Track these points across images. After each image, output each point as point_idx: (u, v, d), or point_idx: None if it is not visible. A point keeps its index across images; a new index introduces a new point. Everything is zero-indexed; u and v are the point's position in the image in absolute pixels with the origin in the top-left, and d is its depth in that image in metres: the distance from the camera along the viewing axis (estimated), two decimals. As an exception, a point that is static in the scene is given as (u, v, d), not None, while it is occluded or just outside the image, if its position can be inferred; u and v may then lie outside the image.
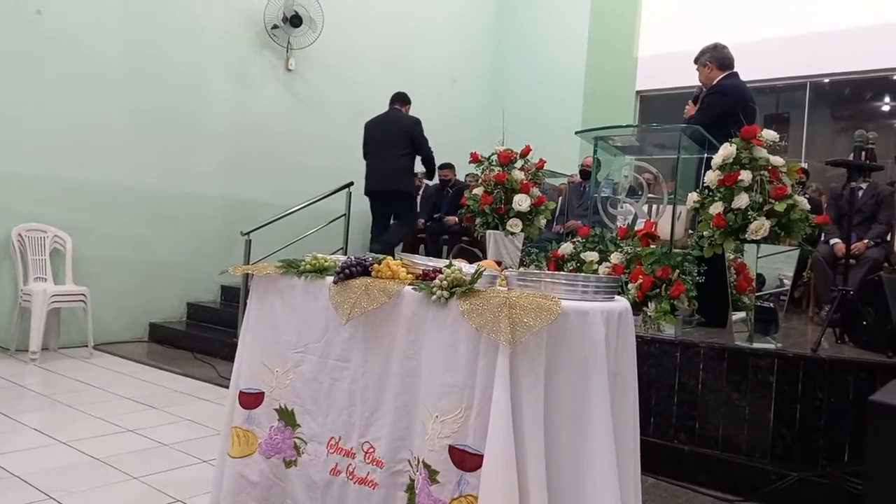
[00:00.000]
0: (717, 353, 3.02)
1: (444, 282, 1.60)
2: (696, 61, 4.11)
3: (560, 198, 6.80)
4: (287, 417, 1.93)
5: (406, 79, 7.26)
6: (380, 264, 1.83)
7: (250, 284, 2.11)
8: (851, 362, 2.83)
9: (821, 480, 2.67)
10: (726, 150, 3.05)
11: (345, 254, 5.18)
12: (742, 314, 3.13)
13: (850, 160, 3.45)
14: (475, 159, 4.07)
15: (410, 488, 1.64)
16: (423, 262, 1.81)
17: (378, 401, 1.74)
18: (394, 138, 5.55)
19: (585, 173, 6.16)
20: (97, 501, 2.41)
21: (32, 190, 4.97)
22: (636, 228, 3.58)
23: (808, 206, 2.99)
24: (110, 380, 4.22)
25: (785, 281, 3.12)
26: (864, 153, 3.42)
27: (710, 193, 3.12)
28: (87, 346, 4.91)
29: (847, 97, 7.64)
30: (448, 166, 6.85)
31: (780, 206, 2.91)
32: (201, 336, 5.43)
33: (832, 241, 4.91)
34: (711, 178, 3.10)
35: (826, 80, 7.40)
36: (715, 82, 3.97)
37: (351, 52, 7.19)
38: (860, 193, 4.74)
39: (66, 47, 5.10)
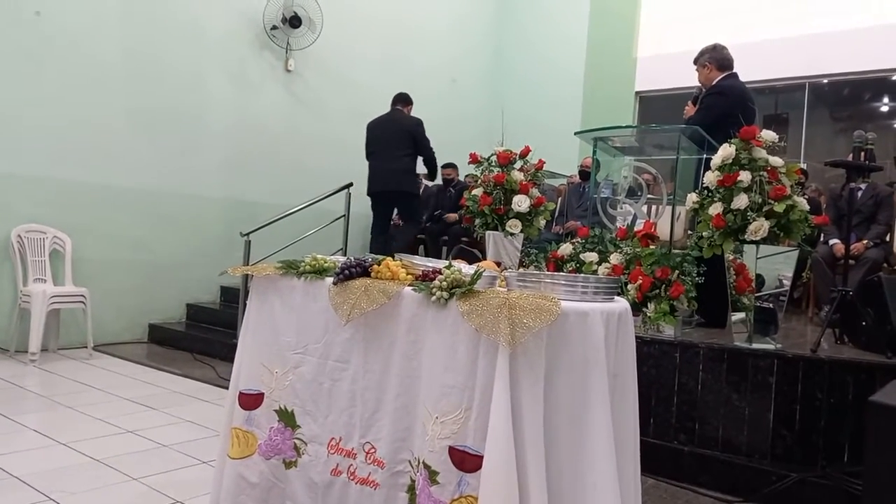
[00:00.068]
0: (716, 353, 3.02)
1: (444, 283, 1.60)
2: (695, 62, 4.11)
3: (559, 198, 6.81)
4: (287, 418, 1.93)
5: (405, 79, 7.27)
6: (379, 265, 1.83)
7: (250, 285, 2.11)
8: (851, 363, 2.83)
9: (821, 481, 2.67)
10: (725, 151, 3.05)
11: (344, 254, 5.18)
12: (741, 315, 3.13)
13: (850, 161, 3.45)
14: (474, 160, 4.07)
15: (411, 489, 1.64)
16: (423, 262, 1.81)
17: (378, 401, 1.74)
18: (396, 139, 5.56)
19: (585, 174, 6.16)
20: (97, 502, 2.41)
21: (32, 191, 4.97)
22: (635, 229, 3.58)
23: (807, 207, 2.99)
24: (110, 381, 4.22)
25: (784, 281, 3.12)
26: (863, 154, 3.42)
27: (710, 194, 3.12)
28: (86, 347, 4.91)
29: (846, 98, 7.64)
30: (451, 165, 6.86)
31: (779, 207, 2.91)
32: (201, 337, 5.43)
33: (831, 242, 4.92)
34: (711, 178, 3.10)
35: (825, 81, 7.41)
36: (714, 83, 3.98)
37: (350, 52, 7.19)
38: (859, 194, 4.74)
39: (65, 48, 5.10)
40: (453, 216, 6.48)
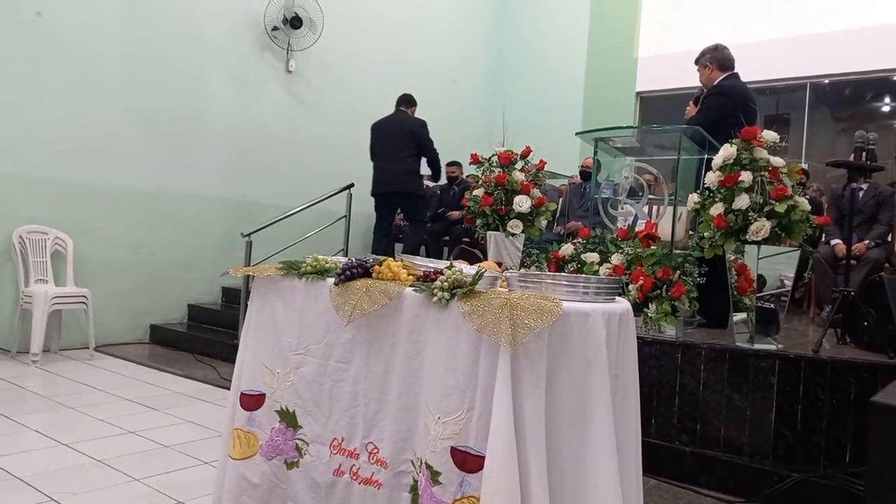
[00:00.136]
0: (718, 354, 3.02)
1: (445, 283, 1.60)
2: (696, 62, 4.11)
3: (560, 199, 6.81)
4: (288, 419, 1.93)
5: (406, 80, 7.27)
6: (380, 266, 1.83)
7: (251, 286, 2.11)
8: (853, 363, 2.83)
9: (823, 481, 2.66)
10: (727, 151, 3.05)
11: (346, 255, 5.18)
12: (743, 315, 3.13)
13: (851, 161, 3.45)
14: (476, 160, 4.07)
15: (414, 489, 1.64)
16: (424, 263, 1.81)
17: (381, 402, 1.74)
18: (400, 140, 5.60)
19: (586, 174, 6.16)
20: (98, 503, 2.41)
21: (33, 192, 4.97)
22: (637, 229, 3.57)
23: (808, 207, 2.98)
24: (111, 381, 4.23)
25: (786, 282, 3.12)
26: (864, 154, 3.42)
27: (711, 194, 3.12)
28: (88, 347, 4.92)
29: (847, 98, 7.64)
30: (455, 163, 6.86)
31: (780, 207, 2.90)
32: (202, 338, 5.43)
33: (833, 242, 4.92)
34: (712, 178, 3.10)
35: (826, 81, 7.40)
36: (715, 83, 3.98)
37: (351, 53, 7.20)
38: (861, 194, 4.74)
39: (66, 49, 5.10)
40: (456, 214, 6.49)
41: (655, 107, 8.26)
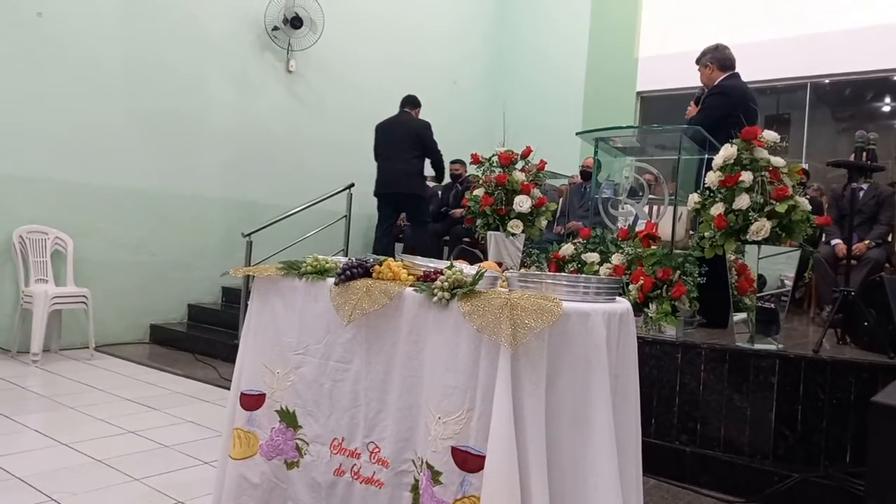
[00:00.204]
0: (718, 354, 3.02)
1: (446, 283, 1.60)
2: (697, 62, 4.11)
3: (561, 199, 6.80)
4: (288, 419, 1.93)
5: (407, 80, 7.28)
6: (381, 265, 1.83)
7: (251, 286, 2.11)
8: (853, 363, 2.83)
9: (823, 481, 2.66)
10: (727, 151, 3.05)
11: (346, 255, 5.18)
12: (743, 315, 3.13)
13: (851, 161, 3.45)
14: (476, 160, 4.07)
15: (415, 489, 1.64)
16: (425, 263, 1.81)
17: (381, 402, 1.74)
18: (404, 141, 5.63)
19: (586, 174, 6.16)
20: (98, 503, 2.41)
21: (33, 192, 4.97)
22: (637, 229, 3.57)
23: (809, 207, 2.98)
24: (111, 381, 4.23)
25: (786, 282, 3.12)
26: (864, 154, 3.42)
27: (711, 194, 3.12)
28: (88, 347, 4.92)
29: (848, 98, 7.64)
30: (459, 161, 6.87)
31: (781, 207, 2.90)
32: (202, 337, 5.43)
33: (833, 242, 4.92)
34: (712, 178, 3.10)
35: (827, 81, 7.40)
36: (716, 83, 3.98)
37: (351, 53, 7.20)
38: (861, 194, 4.75)
39: (67, 49, 5.10)
40: (459, 211, 6.49)
41: (656, 107, 8.26)
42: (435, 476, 1.54)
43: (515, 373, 1.46)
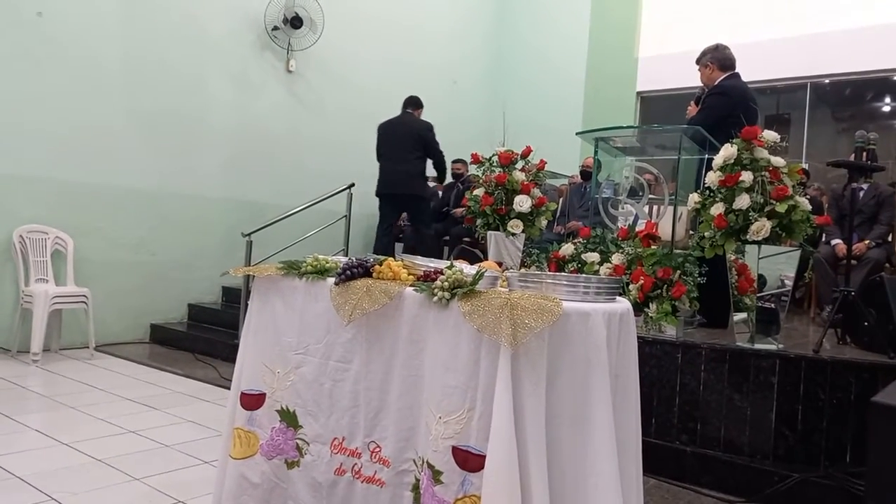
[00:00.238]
0: (718, 353, 3.02)
1: (446, 283, 1.60)
2: (697, 62, 4.11)
3: (561, 199, 6.80)
4: (289, 419, 1.93)
5: (407, 80, 7.28)
6: (381, 265, 1.83)
7: (251, 286, 2.11)
8: (853, 363, 2.83)
9: (823, 481, 2.66)
10: (727, 151, 3.05)
11: (346, 255, 5.18)
12: (743, 315, 3.13)
13: (851, 161, 3.45)
14: (476, 160, 4.07)
15: (416, 488, 1.64)
16: (425, 263, 1.81)
17: (382, 401, 1.74)
18: (406, 142, 5.66)
19: (586, 174, 6.16)
20: (99, 502, 2.41)
21: (34, 191, 4.97)
22: (637, 229, 3.57)
23: (809, 207, 2.98)
24: (112, 381, 4.23)
25: (786, 282, 3.12)
26: (865, 154, 3.42)
27: (711, 194, 3.12)
28: (88, 347, 4.92)
29: (848, 98, 7.64)
30: (461, 161, 6.88)
31: (781, 207, 2.90)
32: (203, 337, 5.43)
33: (833, 242, 4.92)
34: (712, 178, 3.10)
35: (827, 81, 7.40)
36: (716, 83, 3.98)
37: (351, 53, 7.20)
38: (861, 194, 4.75)
39: (67, 49, 5.10)
40: (460, 211, 6.50)
41: (656, 107, 8.26)
42: (436, 475, 1.54)
43: (516, 372, 1.45)
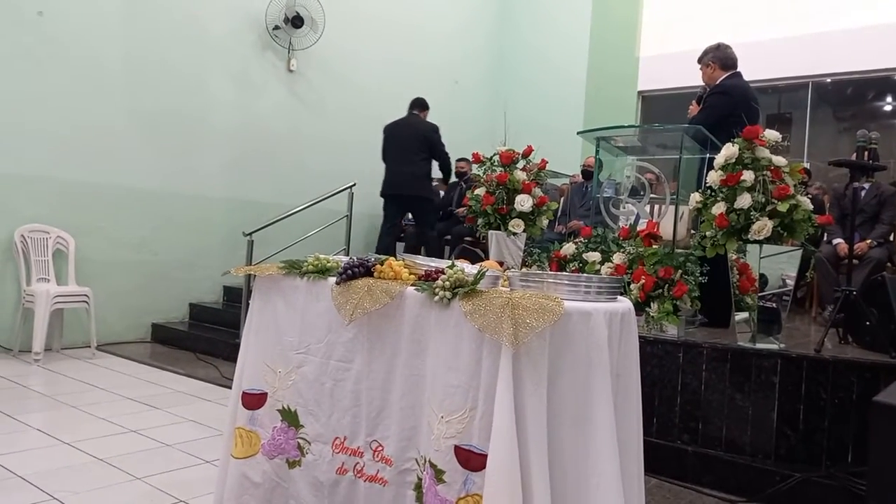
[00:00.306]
0: (720, 353, 3.01)
1: (447, 282, 1.60)
2: (699, 61, 4.11)
3: (562, 198, 6.80)
4: (290, 418, 1.93)
5: (408, 80, 7.28)
6: (382, 265, 1.83)
7: (253, 285, 2.11)
8: (855, 362, 2.83)
9: (825, 481, 2.66)
10: (729, 151, 3.05)
11: (347, 254, 5.18)
12: (745, 314, 3.12)
13: (853, 160, 3.45)
14: (477, 160, 4.07)
15: (418, 487, 1.64)
16: (426, 262, 1.81)
17: (384, 401, 1.74)
18: (412, 143, 5.71)
19: (587, 173, 6.16)
20: (100, 502, 2.41)
21: (35, 191, 4.98)
22: (638, 229, 3.57)
23: (810, 207, 2.98)
24: (113, 380, 4.23)
25: (788, 281, 3.11)
26: (866, 153, 3.42)
27: (713, 193, 3.12)
28: (89, 346, 4.92)
29: (849, 97, 7.63)
30: (465, 159, 6.88)
31: (782, 207, 2.90)
32: (204, 337, 5.43)
33: (835, 241, 4.91)
34: (714, 178, 3.10)
35: (828, 80, 7.39)
36: (718, 82, 3.97)
37: (353, 53, 7.20)
38: (863, 193, 4.74)
39: (68, 49, 5.11)
40: (462, 210, 6.50)
41: (657, 106, 8.26)
42: (438, 475, 1.54)
43: (517, 372, 1.45)
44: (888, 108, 7.59)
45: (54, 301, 4.73)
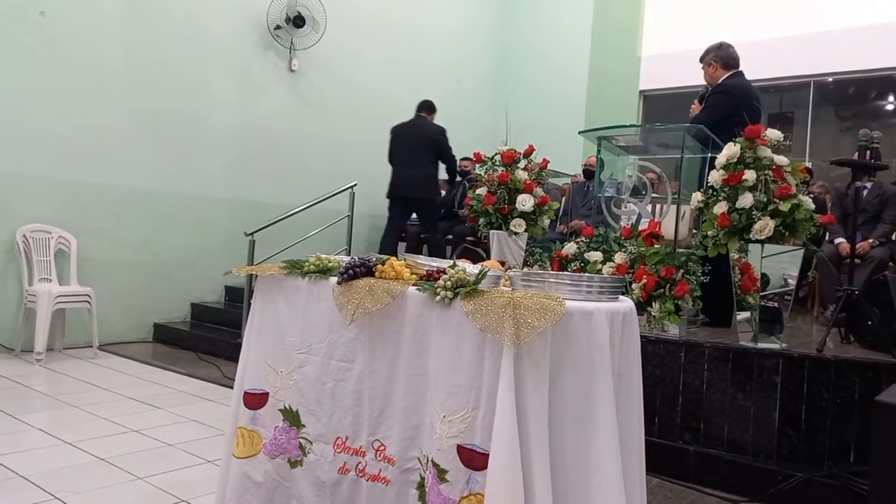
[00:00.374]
0: (721, 353, 3.01)
1: (448, 282, 1.60)
2: (700, 60, 4.10)
3: (563, 198, 6.79)
4: (291, 418, 1.93)
5: (410, 80, 7.29)
6: (384, 265, 1.83)
7: (254, 285, 2.11)
8: (857, 362, 2.82)
9: (827, 481, 2.66)
10: (730, 150, 3.05)
11: (349, 254, 5.19)
12: (747, 314, 3.12)
13: (855, 159, 3.44)
14: (479, 159, 4.07)
15: (421, 486, 1.65)
16: (427, 262, 1.81)
17: (386, 400, 1.74)
18: (419, 146, 5.75)
19: (589, 173, 6.15)
20: (102, 502, 2.41)
21: (37, 191, 4.98)
22: (640, 228, 3.57)
23: (812, 206, 2.98)
24: (115, 380, 4.23)
25: (790, 280, 3.11)
26: (868, 152, 3.41)
27: (715, 193, 3.11)
28: (91, 346, 4.93)
29: (851, 96, 7.62)
30: (468, 159, 6.88)
31: (784, 206, 2.90)
32: (206, 336, 5.44)
33: (837, 241, 4.90)
34: (715, 177, 3.10)
35: (830, 80, 7.39)
36: (720, 81, 3.97)
37: (354, 53, 7.20)
38: (865, 193, 4.74)
39: (69, 49, 5.11)
40: (465, 211, 6.51)
41: (659, 105, 8.25)
42: (441, 474, 1.54)
43: (519, 372, 1.45)
44: (890, 107, 7.58)
45: (56, 301, 4.73)
